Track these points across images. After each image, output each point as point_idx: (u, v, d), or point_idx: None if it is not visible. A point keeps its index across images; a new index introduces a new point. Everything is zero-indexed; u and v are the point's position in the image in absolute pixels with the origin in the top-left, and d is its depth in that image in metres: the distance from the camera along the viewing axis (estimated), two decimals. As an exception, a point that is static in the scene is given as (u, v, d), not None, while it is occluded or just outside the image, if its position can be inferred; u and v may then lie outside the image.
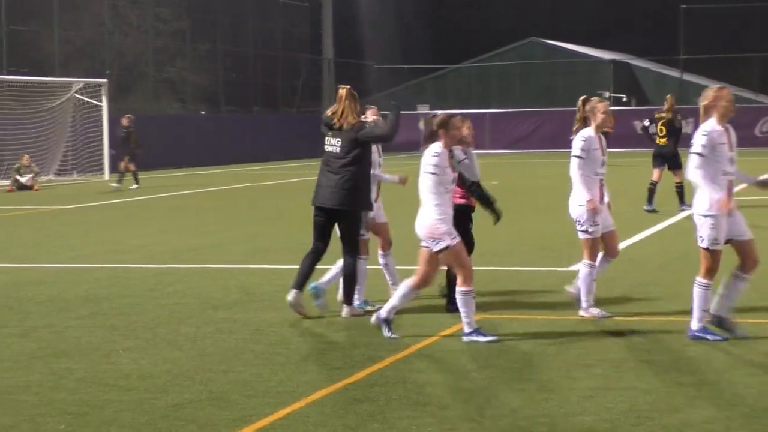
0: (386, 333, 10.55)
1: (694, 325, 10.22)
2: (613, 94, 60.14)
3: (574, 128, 11.47)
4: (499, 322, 11.37)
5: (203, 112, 56.68)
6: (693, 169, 10.12)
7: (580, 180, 11.24)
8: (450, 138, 10.42)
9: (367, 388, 8.71)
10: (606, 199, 11.56)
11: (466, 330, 10.41)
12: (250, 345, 10.43)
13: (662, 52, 64.27)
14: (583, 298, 11.42)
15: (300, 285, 11.84)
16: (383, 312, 10.62)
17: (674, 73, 62.57)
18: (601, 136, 11.46)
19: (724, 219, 10.05)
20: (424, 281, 10.57)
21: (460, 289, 10.40)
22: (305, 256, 12.01)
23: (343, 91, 11.90)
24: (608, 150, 11.65)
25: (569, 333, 10.72)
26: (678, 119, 22.98)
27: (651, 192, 22.55)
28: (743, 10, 62.93)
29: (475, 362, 9.58)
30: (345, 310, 11.88)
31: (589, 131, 11.37)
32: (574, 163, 11.30)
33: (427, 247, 10.44)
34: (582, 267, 11.43)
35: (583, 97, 11.62)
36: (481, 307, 12.03)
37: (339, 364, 9.62)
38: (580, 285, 11.46)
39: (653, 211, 22.20)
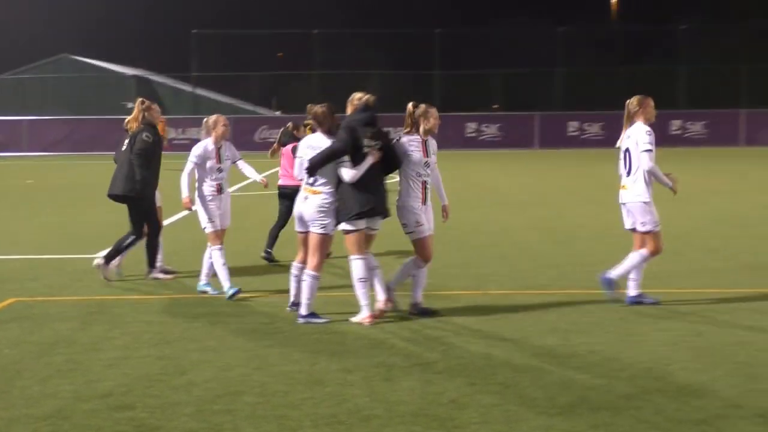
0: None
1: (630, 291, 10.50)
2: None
3: (405, 131, 10.21)
4: (33, 304, 11.00)
5: None
6: (647, 163, 10.33)
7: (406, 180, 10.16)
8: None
9: None
10: (429, 201, 10.24)
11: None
12: None
13: (178, 69, 64.55)
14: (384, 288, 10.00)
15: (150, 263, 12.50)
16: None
17: (188, 88, 63.07)
18: (428, 139, 10.24)
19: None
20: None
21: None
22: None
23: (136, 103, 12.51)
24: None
25: (97, 311, 10.58)
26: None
27: None
28: (243, 36, 64.47)
29: (6, 340, 9.24)
30: (102, 269, 12.25)
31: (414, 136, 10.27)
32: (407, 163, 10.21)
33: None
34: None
35: (412, 102, 10.25)
36: (26, 291, 11.64)
37: None
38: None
39: None
